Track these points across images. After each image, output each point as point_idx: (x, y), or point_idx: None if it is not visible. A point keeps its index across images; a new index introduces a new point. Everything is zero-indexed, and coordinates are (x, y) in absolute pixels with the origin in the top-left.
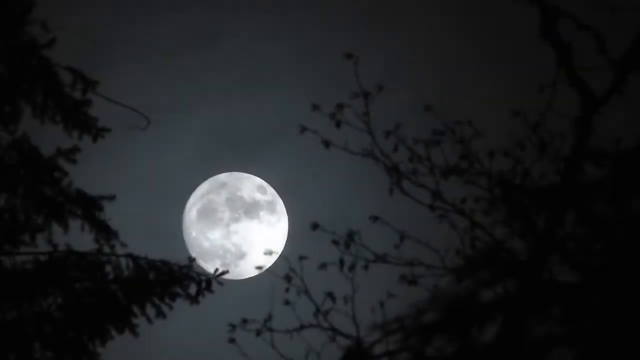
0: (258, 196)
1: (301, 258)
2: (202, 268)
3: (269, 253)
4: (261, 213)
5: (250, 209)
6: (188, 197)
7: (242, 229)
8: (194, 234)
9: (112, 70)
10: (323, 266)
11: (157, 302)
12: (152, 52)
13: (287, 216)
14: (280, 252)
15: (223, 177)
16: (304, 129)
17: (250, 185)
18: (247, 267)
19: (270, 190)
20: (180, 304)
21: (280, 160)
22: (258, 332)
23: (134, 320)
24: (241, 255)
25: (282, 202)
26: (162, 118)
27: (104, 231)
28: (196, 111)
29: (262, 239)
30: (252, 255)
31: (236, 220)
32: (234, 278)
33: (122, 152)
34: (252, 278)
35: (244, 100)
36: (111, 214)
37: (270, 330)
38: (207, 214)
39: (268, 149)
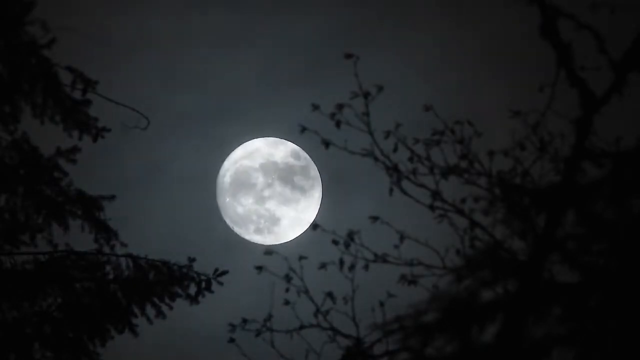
0: (292, 161)
1: (301, 258)
2: (236, 234)
3: (269, 253)
4: (295, 178)
5: (284, 175)
6: (222, 163)
7: (275, 194)
8: (227, 200)
9: (111, 70)
10: (323, 266)
11: (157, 302)
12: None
13: (320, 182)
14: (314, 217)
15: (257, 142)
16: (303, 129)
17: (284, 151)
18: (281, 233)
19: (304, 155)
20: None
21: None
22: (258, 332)
23: (134, 320)
24: (275, 221)
25: (316, 168)
26: (195, 84)
27: (104, 231)
28: (229, 76)
29: (295, 204)
30: (286, 221)
31: (270, 185)
32: (268, 244)
33: (158, 119)
34: (285, 243)
35: (276, 66)
36: (148, 181)
37: (270, 330)
38: (241, 179)
39: (303, 113)
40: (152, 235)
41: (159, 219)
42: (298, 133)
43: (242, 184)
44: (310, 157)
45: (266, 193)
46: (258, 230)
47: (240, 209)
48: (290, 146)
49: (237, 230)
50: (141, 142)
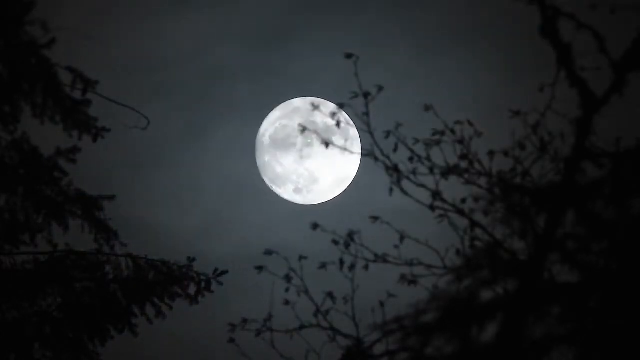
0: (331, 121)
1: (301, 258)
2: (275, 193)
3: (269, 253)
4: (334, 138)
5: (323, 134)
6: (261, 123)
7: (315, 154)
8: (267, 159)
9: (111, 69)
10: (323, 266)
11: (157, 302)
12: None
13: (360, 141)
14: (353, 177)
15: (296, 102)
16: (304, 129)
17: (324, 110)
18: (320, 193)
19: (344, 115)
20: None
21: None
22: (258, 332)
23: (134, 320)
24: (314, 181)
25: (355, 127)
26: (235, 48)
27: (104, 231)
28: (268, 35)
29: (335, 164)
30: (325, 181)
31: (309, 145)
32: (307, 203)
33: (197, 78)
34: (324, 203)
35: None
36: (188, 142)
37: (270, 330)
38: (280, 139)
39: (343, 73)
40: (195, 196)
41: (200, 181)
42: (337, 92)
43: (282, 143)
44: (350, 116)
45: (305, 153)
46: (297, 190)
47: (279, 169)
48: (330, 106)
49: (276, 189)
50: (181, 102)
